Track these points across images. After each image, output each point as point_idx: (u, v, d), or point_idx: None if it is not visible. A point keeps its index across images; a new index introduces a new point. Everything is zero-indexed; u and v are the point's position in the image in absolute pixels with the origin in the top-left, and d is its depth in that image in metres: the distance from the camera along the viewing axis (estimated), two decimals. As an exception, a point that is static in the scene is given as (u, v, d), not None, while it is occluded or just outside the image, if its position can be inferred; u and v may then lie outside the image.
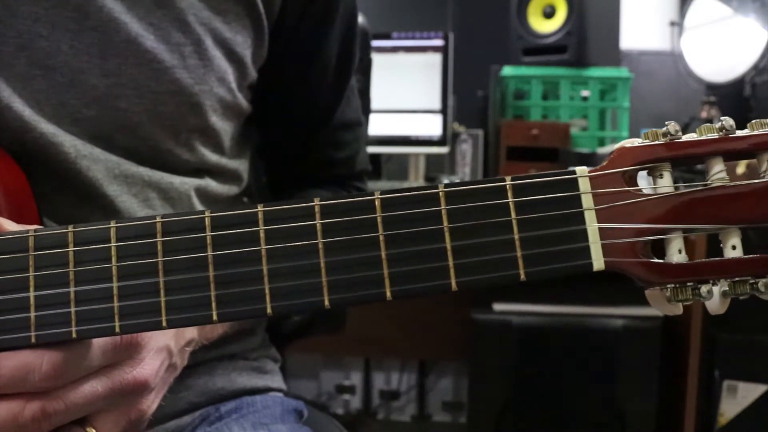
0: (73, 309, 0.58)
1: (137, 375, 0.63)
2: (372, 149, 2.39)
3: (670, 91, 2.95)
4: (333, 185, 1.07)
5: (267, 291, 0.56)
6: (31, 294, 0.58)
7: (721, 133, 0.54)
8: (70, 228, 0.59)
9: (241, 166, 0.94)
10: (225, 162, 0.90)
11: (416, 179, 2.69)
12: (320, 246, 0.56)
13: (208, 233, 0.57)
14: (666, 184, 0.54)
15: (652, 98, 2.94)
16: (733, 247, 0.53)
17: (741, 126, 0.54)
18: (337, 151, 1.06)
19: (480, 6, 3.05)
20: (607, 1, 2.75)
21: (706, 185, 0.53)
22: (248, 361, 0.97)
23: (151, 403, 0.67)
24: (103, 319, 0.58)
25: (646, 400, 2.25)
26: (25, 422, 0.58)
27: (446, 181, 2.49)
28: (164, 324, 0.57)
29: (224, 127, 0.87)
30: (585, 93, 2.70)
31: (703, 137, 0.54)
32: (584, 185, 0.55)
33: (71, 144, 0.76)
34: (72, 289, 0.58)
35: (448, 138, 2.66)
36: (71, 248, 0.59)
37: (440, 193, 0.56)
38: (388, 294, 0.55)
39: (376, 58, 2.08)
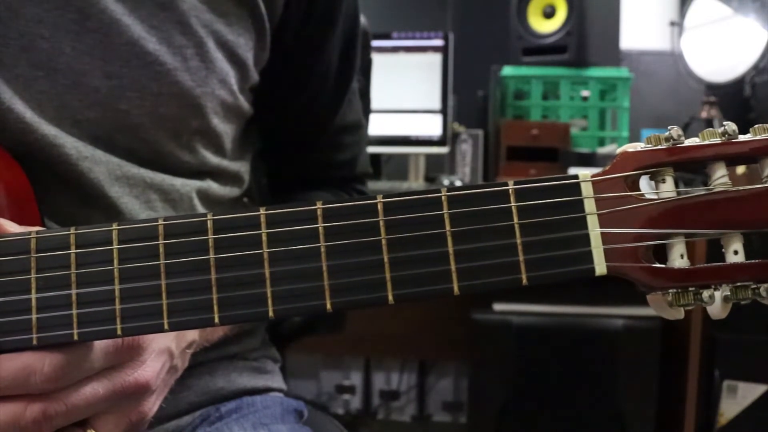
0: (74, 311, 0.58)
1: (138, 377, 0.63)
2: (372, 149, 2.38)
3: (670, 91, 2.95)
4: (334, 187, 1.07)
5: (269, 294, 0.56)
6: (33, 296, 0.59)
7: (723, 138, 0.54)
8: (72, 230, 0.59)
9: (242, 167, 0.94)
10: (226, 164, 0.90)
11: (416, 179, 2.69)
12: (322, 249, 0.56)
13: (210, 236, 0.57)
14: (668, 188, 0.54)
15: (652, 98, 2.94)
16: (735, 252, 0.53)
17: (741, 126, 0.54)
18: (338, 154, 1.06)
19: (480, 6, 3.05)
20: (607, 1, 2.75)
21: (708, 190, 0.54)
22: (248, 362, 0.97)
23: (152, 405, 0.67)
24: (104, 322, 0.58)
25: (646, 400, 2.25)
26: (26, 424, 0.58)
27: (446, 181, 2.49)
28: (166, 327, 0.57)
29: (225, 129, 0.87)
30: (585, 93, 2.70)
31: (706, 142, 0.54)
32: (587, 190, 0.55)
33: (73, 146, 0.76)
34: (74, 291, 0.58)
35: (448, 138, 2.66)
36: (73, 250, 0.59)
37: (443, 197, 0.56)
38: (390, 298, 0.55)
39: (376, 58, 2.08)
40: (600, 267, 0.54)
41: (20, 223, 0.63)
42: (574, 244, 0.54)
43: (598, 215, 0.55)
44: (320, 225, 0.56)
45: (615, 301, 2.30)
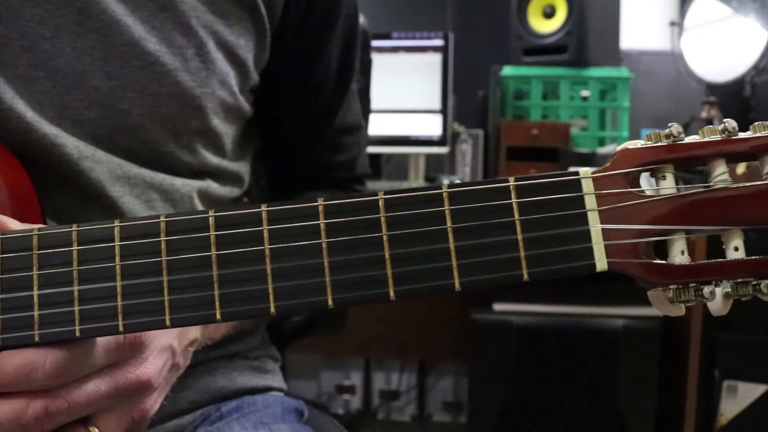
0: (76, 307, 0.58)
1: (140, 374, 0.63)
2: (372, 149, 2.39)
3: (670, 91, 2.95)
4: (333, 188, 1.07)
5: (270, 290, 0.56)
6: (35, 292, 0.59)
7: (723, 135, 0.54)
8: (74, 227, 0.59)
9: (242, 168, 0.94)
10: (226, 164, 0.90)
11: (416, 179, 2.69)
12: (324, 246, 0.56)
13: (212, 232, 0.57)
14: (668, 185, 0.54)
15: (652, 98, 2.94)
16: (736, 249, 0.53)
17: (742, 126, 0.55)
18: (337, 155, 1.06)
19: (480, 6, 3.05)
20: (607, 1, 2.75)
21: (708, 187, 0.54)
22: (248, 361, 0.98)
23: (153, 403, 0.67)
24: (106, 318, 0.58)
25: (646, 400, 2.25)
26: (29, 421, 0.58)
27: (446, 181, 2.49)
28: (168, 323, 0.57)
29: (226, 129, 0.87)
30: (585, 93, 2.70)
31: (706, 139, 0.54)
32: (587, 186, 0.55)
33: (74, 145, 0.76)
34: (75, 288, 0.58)
35: (448, 138, 2.66)
36: (75, 247, 0.59)
37: (444, 194, 0.56)
38: (392, 294, 0.55)
39: (376, 58, 2.08)
40: (601, 263, 0.54)
41: (22, 221, 0.64)
42: (574, 240, 0.54)
43: (599, 211, 0.55)
44: (321, 221, 0.56)
45: (615, 301, 2.31)
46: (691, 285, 0.54)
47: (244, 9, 0.85)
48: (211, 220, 0.58)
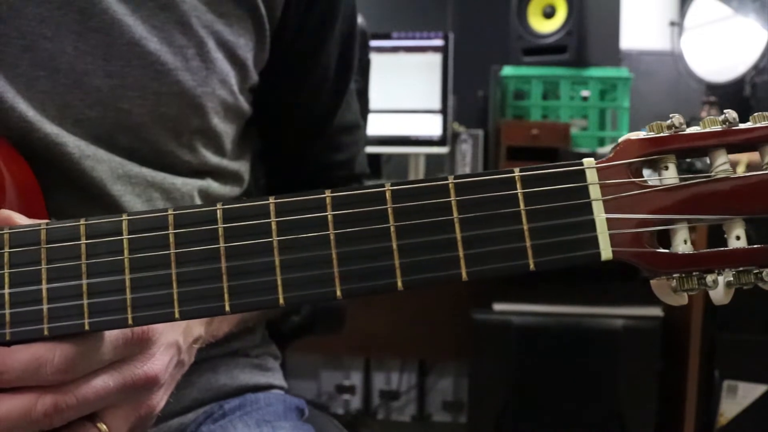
0: (85, 301, 0.58)
1: (148, 370, 0.64)
2: (372, 149, 2.39)
3: (670, 91, 2.95)
4: (332, 188, 1.07)
5: (279, 282, 0.57)
6: (44, 286, 0.59)
7: (724, 126, 0.55)
8: (82, 221, 0.60)
9: (242, 167, 0.94)
10: (226, 163, 0.90)
11: (416, 179, 2.68)
12: (332, 237, 0.56)
13: (220, 225, 0.58)
14: (671, 175, 0.55)
15: (652, 98, 2.94)
16: (737, 238, 0.54)
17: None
18: (336, 154, 1.06)
19: (480, 6, 3.06)
20: (607, 1, 2.75)
21: (710, 177, 0.54)
22: (250, 358, 0.98)
23: (160, 399, 0.67)
24: (115, 311, 0.58)
25: (646, 400, 2.25)
26: (38, 417, 0.58)
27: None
28: (177, 315, 0.58)
29: (226, 129, 0.87)
30: (585, 93, 2.70)
31: (707, 129, 0.55)
32: (592, 176, 0.56)
33: (75, 144, 0.76)
34: (84, 282, 0.59)
35: (448, 138, 2.66)
36: (83, 241, 0.59)
37: (450, 185, 0.56)
38: (399, 284, 0.56)
39: (376, 58, 2.08)
40: (606, 252, 0.55)
41: (28, 216, 0.64)
42: (579, 229, 0.55)
43: (603, 201, 0.55)
44: (329, 213, 0.57)
45: (615, 301, 2.31)
46: (694, 274, 0.54)
47: (244, 9, 0.85)
48: (219, 213, 0.58)
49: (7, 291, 0.59)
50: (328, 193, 0.57)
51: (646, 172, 0.57)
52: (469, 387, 2.54)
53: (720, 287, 0.54)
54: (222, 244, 0.58)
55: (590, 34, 2.64)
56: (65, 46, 0.76)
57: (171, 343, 0.68)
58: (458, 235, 0.56)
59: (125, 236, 0.59)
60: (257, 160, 1.03)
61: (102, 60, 0.77)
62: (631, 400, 2.25)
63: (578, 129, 2.68)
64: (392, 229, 0.56)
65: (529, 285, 2.34)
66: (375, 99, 2.14)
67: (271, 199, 0.58)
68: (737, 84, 2.63)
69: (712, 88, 2.73)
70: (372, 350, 3.00)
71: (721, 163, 0.54)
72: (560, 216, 0.55)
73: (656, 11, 3.05)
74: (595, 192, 0.55)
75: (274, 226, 0.57)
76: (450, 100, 2.66)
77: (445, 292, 2.70)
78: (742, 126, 0.54)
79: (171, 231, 0.58)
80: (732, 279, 0.54)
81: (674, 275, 0.54)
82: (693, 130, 0.55)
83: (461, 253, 0.55)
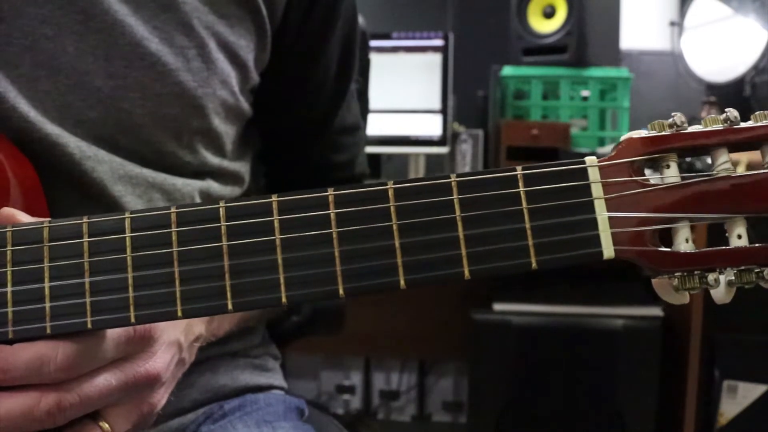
0: (88, 299, 0.59)
1: (150, 368, 0.64)
2: (372, 149, 2.39)
3: (670, 91, 2.95)
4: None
5: (282, 280, 0.57)
6: (47, 285, 0.59)
7: (725, 125, 0.55)
8: (85, 219, 0.60)
9: (242, 168, 0.94)
10: (227, 164, 0.90)
11: (416, 179, 2.68)
12: (334, 235, 0.57)
13: (223, 223, 0.58)
14: (673, 174, 0.55)
15: (652, 98, 2.94)
16: (739, 237, 0.54)
17: (742, 124, 0.56)
18: (336, 155, 1.07)
19: (480, 6, 3.05)
20: (607, 1, 2.75)
21: (712, 175, 0.54)
22: (250, 359, 0.98)
23: (161, 397, 0.67)
24: (118, 309, 0.58)
25: (646, 400, 2.25)
26: (41, 415, 0.58)
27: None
28: (179, 314, 0.58)
29: (226, 129, 0.87)
30: (585, 93, 2.69)
31: (709, 128, 0.55)
32: (594, 175, 0.56)
33: (76, 145, 0.76)
34: (87, 280, 0.59)
35: (448, 138, 2.66)
36: (86, 239, 0.59)
37: (452, 183, 0.56)
38: (402, 282, 0.56)
39: (376, 58, 2.08)
40: (608, 251, 0.55)
41: (31, 215, 0.64)
42: (582, 228, 0.55)
43: (605, 200, 0.55)
44: (332, 211, 0.57)
45: (615, 301, 2.30)
46: (696, 272, 0.54)
47: (246, 10, 0.85)
48: (221, 211, 0.58)
49: (9, 289, 0.59)
50: (330, 192, 0.57)
51: (647, 171, 0.57)
52: (469, 387, 2.53)
53: (721, 286, 0.54)
54: (224, 243, 0.58)
55: (590, 34, 2.64)
56: (66, 47, 0.76)
57: (172, 342, 0.68)
58: (460, 234, 0.56)
59: (128, 234, 0.59)
60: (258, 160, 1.03)
61: (103, 60, 0.77)
62: (631, 400, 2.25)
63: (578, 129, 2.68)
64: (395, 227, 0.56)
65: (529, 285, 2.34)
66: (375, 99, 2.13)
67: (274, 197, 0.58)
68: (737, 84, 2.63)
69: (712, 88, 2.73)
70: (372, 350, 3.00)
71: (723, 162, 0.54)
72: (562, 214, 0.55)
73: (656, 11, 3.05)
74: (597, 190, 0.56)
75: (276, 225, 0.57)
76: (450, 100, 2.66)
77: (445, 292, 2.70)
78: (743, 125, 0.55)
79: (174, 229, 0.58)
80: (733, 278, 0.54)
81: (676, 274, 0.55)
82: (695, 128, 0.55)
83: (463, 252, 0.55)
